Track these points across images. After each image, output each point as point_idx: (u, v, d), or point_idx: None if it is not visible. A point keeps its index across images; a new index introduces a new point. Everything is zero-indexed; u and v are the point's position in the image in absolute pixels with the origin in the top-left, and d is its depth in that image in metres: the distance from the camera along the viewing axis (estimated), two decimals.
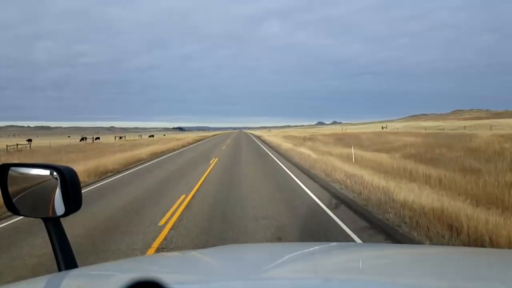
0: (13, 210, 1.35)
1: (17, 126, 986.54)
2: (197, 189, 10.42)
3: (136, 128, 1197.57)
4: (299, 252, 1.66)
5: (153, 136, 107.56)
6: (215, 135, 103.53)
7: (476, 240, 5.06)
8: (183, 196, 9.34)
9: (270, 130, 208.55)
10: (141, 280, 0.66)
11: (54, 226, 1.29)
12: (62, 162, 18.74)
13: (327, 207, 7.92)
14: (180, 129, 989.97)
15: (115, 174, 15.51)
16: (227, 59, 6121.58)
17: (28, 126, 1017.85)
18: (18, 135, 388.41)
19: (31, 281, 1.25)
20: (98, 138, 79.94)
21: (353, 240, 5.55)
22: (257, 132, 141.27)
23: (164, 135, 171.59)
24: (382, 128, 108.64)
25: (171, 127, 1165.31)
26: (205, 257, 1.63)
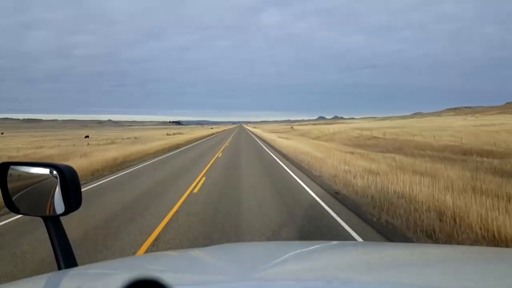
0: (13, 208, 1.38)
1: (11, 119, 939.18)
2: None
3: (134, 121, 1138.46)
4: (299, 250, 1.67)
5: None
6: (201, 137, 54.05)
7: None
8: None
9: (292, 128, 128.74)
10: (142, 279, 0.66)
11: (54, 224, 1.33)
12: None
13: None
14: (178, 123, 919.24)
15: None
16: (225, 51, 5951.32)
17: (24, 119, 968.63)
18: None
19: (31, 280, 1.28)
20: None
21: None
22: (269, 133, 66.04)
23: (87, 136, 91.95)
24: None
25: (169, 120, 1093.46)
26: (205, 256, 1.64)
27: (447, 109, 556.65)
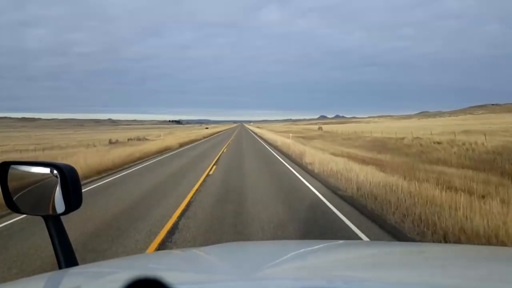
0: (14, 208, 1.39)
1: (9, 118, 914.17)
2: None
3: (134, 120, 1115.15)
4: (301, 250, 1.66)
5: None
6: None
7: None
8: None
9: (321, 128, 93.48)
10: (142, 278, 0.65)
11: (54, 224, 1.34)
12: None
13: None
14: (178, 122, 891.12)
15: None
16: (226, 49, 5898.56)
17: (22, 118, 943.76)
18: None
19: (32, 279, 1.29)
20: None
21: None
22: (309, 147, 25.17)
23: None
24: None
25: (169, 120, 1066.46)
26: (206, 255, 1.64)
27: (471, 107, 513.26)
